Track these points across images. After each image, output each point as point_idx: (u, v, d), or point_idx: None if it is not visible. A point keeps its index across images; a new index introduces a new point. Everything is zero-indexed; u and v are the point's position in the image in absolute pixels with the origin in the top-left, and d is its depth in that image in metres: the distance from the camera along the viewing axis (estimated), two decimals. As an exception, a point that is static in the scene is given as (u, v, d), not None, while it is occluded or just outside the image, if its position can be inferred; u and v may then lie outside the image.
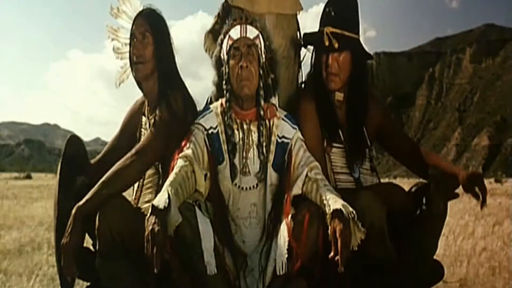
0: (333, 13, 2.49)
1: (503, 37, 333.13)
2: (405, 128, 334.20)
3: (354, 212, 1.95)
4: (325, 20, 2.53)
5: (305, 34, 2.72)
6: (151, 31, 2.39)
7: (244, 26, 2.28)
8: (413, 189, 2.48)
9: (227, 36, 2.30)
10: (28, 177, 33.17)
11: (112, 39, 2.62)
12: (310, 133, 2.40)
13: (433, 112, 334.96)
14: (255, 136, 2.30)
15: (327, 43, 2.45)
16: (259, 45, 2.29)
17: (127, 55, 2.51)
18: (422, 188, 2.41)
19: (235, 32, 2.28)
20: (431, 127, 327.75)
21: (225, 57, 2.29)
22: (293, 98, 2.65)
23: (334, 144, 2.48)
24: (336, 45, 2.43)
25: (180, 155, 2.18)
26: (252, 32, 2.29)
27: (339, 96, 2.54)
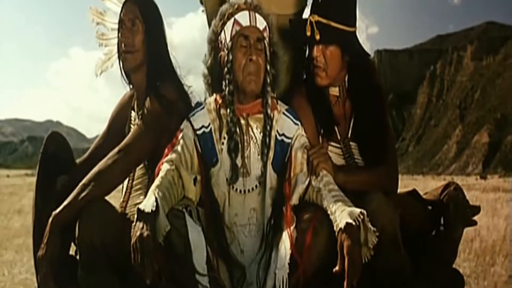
0: (320, 0, 2.28)
1: (504, 35, 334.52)
2: (407, 126, 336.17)
3: (363, 213, 1.78)
4: (313, 7, 2.32)
5: (291, 20, 2.48)
6: (141, 18, 2.22)
7: (254, 13, 2.09)
8: (429, 207, 2.30)
9: (233, 19, 2.09)
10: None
11: (97, 23, 2.44)
12: (304, 130, 2.21)
13: (434, 110, 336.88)
14: (254, 132, 2.12)
15: (308, 33, 2.26)
16: (266, 38, 2.12)
17: (113, 41, 2.37)
18: (439, 206, 2.24)
19: (243, 18, 2.08)
20: (432, 124, 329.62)
21: (229, 43, 2.09)
22: (288, 93, 2.42)
23: (331, 143, 2.30)
24: (318, 37, 2.23)
25: (166, 159, 2.02)
26: (261, 22, 2.10)
27: (333, 91, 2.34)
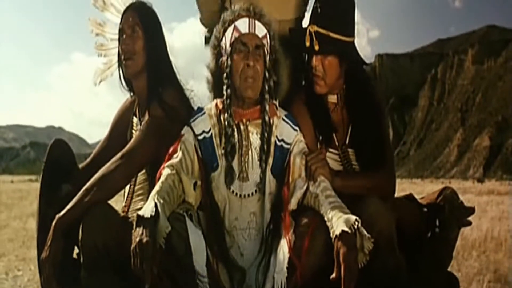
0: (319, 10, 2.30)
1: (504, 38, 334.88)
2: (408, 129, 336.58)
3: (358, 220, 1.81)
4: (312, 17, 2.34)
5: (290, 29, 2.53)
6: (141, 25, 2.27)
7: (253, 21, 2.12)
8: (424, 209, 2.34)
9: (233, 26, 2.12)
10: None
11: (97, 34, 2.48)
12: (304, 137, 2.24)
13: (436, 113, 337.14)
14: (253, 137, 2.15)
15: (307, 43, 2.29)
16: (266, 45, 2.14)
17: (112, 51, 2.42)
18: (434, 209, 2.30)
19: (243, 25, 2.11)
20: (433, 128, 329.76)
21: (228, 48, 2.13)
22: (287, 99, 2.45)
23: (329, 149, 2.34)
24: (317, 47, 2.26)
25: (167, 164, 2.05)
26: (260, 29, 2.13)
27: (332, 98, 2.38)
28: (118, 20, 2.34)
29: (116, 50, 2.38)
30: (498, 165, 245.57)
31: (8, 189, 21.22)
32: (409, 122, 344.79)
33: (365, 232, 1.80)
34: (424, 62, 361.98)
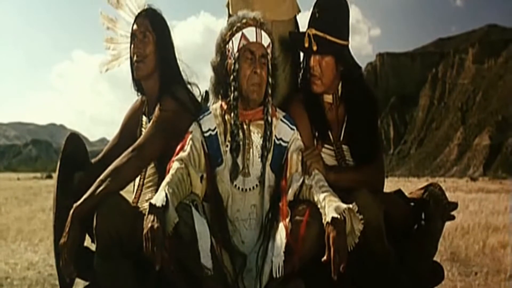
0: (317, 15, 2.47)
1: (505, 38, 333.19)
2: (409, 128, 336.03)
3: (348, 208, 1.95)
4: (310, 21, 2.51)
5: (290, 33, 2.69)
6: (152, 30, 2.39)
7: (260, 30, 2.26)
8: (411, 203, 2.48)
9: (241, 33, 2.26)
10: (49, 177, 35.92)
11: (108, 28, 2.60)
12: (300, 133, 2.38)
13: (436, 112, 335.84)
14: (254, 136, 2.30)
15: (306, 45, 2.45)
16: (269, 54, 2.28)
17: (121, 46, 2.55)
18: (420, 203, 2.44)
19: (250, 34, 2.25)
20: (434, 127, 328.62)
21: (236, 53, 2.25)
22: (286, 99, 2.61)
23: (325, 146, 2.49)
24: (315, 48, 2.42)
25: (176, 157, 2.18)
26: (265, 39, 2.27)
27: (327, 98, 2.53)
28: (130, 19, 2.47)
29: (125, 45, 2.52)
30: (498, 165, 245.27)
31: (18, 186, 21.34)
32: (410, 121, 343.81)
33: (356, 214, 1.95)
34: (425, 61, 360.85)
